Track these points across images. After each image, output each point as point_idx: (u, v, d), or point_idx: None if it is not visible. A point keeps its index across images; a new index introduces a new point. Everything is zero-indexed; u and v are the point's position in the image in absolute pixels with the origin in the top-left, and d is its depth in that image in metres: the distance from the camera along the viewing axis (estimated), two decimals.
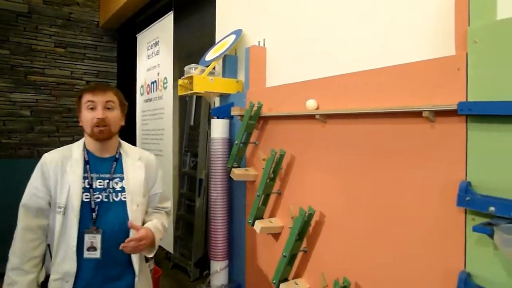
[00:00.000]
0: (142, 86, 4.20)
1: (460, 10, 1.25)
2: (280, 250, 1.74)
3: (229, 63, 2.43)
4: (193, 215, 3.61)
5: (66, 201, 1.46)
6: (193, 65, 2.39)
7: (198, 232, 3.48)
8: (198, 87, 2.25)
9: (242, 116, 2.09)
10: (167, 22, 3.58)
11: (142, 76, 4.20)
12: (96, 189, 1.51)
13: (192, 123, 3.90)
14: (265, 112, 2.04)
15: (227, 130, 2.28)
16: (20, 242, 1.46)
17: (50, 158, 1.52)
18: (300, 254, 1.80)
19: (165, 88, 3.64)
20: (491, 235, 1.01)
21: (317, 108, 1.72)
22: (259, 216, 1.92)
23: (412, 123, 1.35)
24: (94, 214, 1.48)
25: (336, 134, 1.66)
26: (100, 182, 1.53)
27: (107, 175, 1.54)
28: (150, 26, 3.95)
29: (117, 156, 1.60)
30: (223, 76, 2.44)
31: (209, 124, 2.67)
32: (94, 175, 1.53)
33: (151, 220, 1.62)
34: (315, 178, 1.76)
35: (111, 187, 1.53)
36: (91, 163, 1.54)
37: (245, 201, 2.21)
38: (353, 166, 1.58)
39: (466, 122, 1.20)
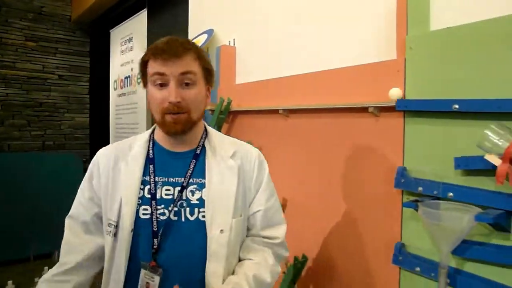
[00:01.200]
0: (115, 81, 4.28)
1: (400, 21, 1.46)
2: None
3: None
4: None
5: (117, 217, 1.00)
6: None
7: None
8: None
9: (213, 110, 2.25)
10: (141, 19, 3.68)
11: (116, 71, 4.27)
12: (161, 201, 1.00)
13: None
14: (234, 107, 2.22)
15: None
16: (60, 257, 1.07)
17: (102, 154, 1.10)
18: None
19: (138, 83, 3.75)
20: (416, 209, 1.23)
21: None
22: None
23: (361, 117, 1.56)
24: (156, 241, 0.97)
25: (297, 127, 1.85)
26: (167, 190, 1.01)
27: (180, 179, 1.02)
28: (123, 22, 4.03)
29: (197, 152, 1.05)
30: None
31: None
32: (160, 179, 1.02)
33: (244, 264, 1.03)
34: (280, 166, 1.95)
35: (184, 198, 1.00)
36: (157, 161, 1.04)
37: None
38: (312, 155, 1.79)
39: (404, 117, 1.43)
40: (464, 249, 1.20)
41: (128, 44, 3.96)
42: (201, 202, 1.00)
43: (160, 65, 0.95)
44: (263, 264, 1.02)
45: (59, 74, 4.85)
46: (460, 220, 1.10)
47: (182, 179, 1.02)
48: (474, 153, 1.17)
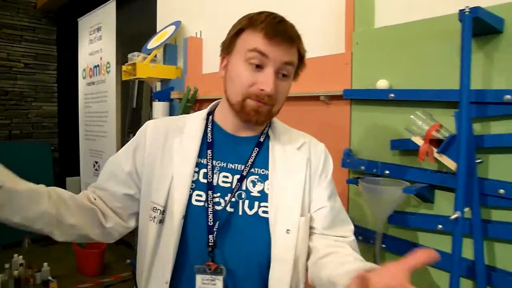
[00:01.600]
0: (84, 70, 4.28)
1: (348, 19, 1.63)
2: None
3: (169, 51, 2.68)
4: None
5: (165, 201, 0.87)
6: (136, 53, 2.61)
7: None
8: (141, 73, 2.49)
9: (180, 99, 2.37)
10: (109, 8, 3.70)
11: (84, 60, 4.27)
12: (217, 188, 0.88)
13: (134, 105, 4.09)
14: (201, 95, 2.34)
15: (167, 112, 2.54)
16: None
17: (152, 125, 0.95)
18: None
19: (108, 72, 3.78)
20: (357, 185, 1.41)
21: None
22: None
23: (315, 105, 1.73)
24: (211, 237, 0.84)
25: None
26: (225, 176, 0.89)
27: (239, 167, 0.90)
28: (92, 12, 4.03)
29: (261, 139, 0.94)
30: (164, 63, 2.69)
31: (151, 107, 2.91)
32: (218, 164, 0.90)
33: (333, 259, 0.83)
34: None
35: (243, 188, 0.88)
36: (215, 144, 0.92)
37: None
38: None
39: (350, 105, 1.60)
40: (397, 218, 1.40)
41: (97, 33, 3.97)
42: (263, 196, 0.86)
43: (266, 44, 0.82)
44: (357, 255, 0.84)
45: (25, 62, 4.79)
46: (392, 193, 1.29)
47: (242, 166, 0.89)
48: (407, 136, 1.36)
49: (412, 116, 1.26)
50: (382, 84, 1.45)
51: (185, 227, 0.84)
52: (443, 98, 1.27)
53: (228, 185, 0.88)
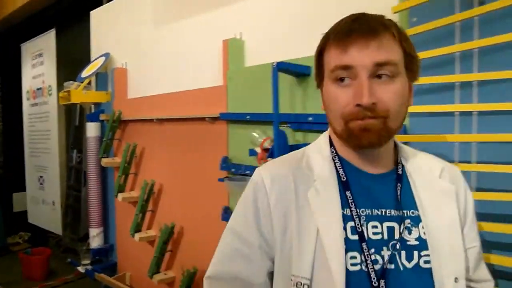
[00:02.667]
0: (28, 92, 4.62)
1: (225, 59, 2.19)
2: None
3: (101, 79, 3.15)
4: (80, 203, 4.22)
5: (311, 273, 0.70)
6: (71, 82, 3.05)
7: (84, 215, 4.11)
8: (75, 99, 2.94)
9: (108, 120, 2.85)
10: (50, 37, 4.10)
11: (28, 82, 4.61)
12: (370, 243, 0.71)
13: (77, 123, 4.47)
14: (126, 116, 2.84)
15: (99, 130, 3.01)
16: None
17: (270, 175, 0.78)
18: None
19: (50, 94, 4.17)
20: (223, 181, 1.97)
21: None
22: (122, 190, 2.72)
23: (202, 124, 2.29)
24: None
25: (167, 131, 2.55)
26: (374, 226, 0.73)
27: (388, 212, 0.74)
28: (34, 39, 4.40)
29: (399, 171, 0.78)
30: (96, 89, 3.16)
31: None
32: (363, 212, 0.74)
33: None
34: (157, 159, 2.62)
35: (396, 237, 0.72)
36: (352, 185, 0.76)
37: (113, 181, 2.96)
38: (176, 150, 2.49)
39: (227, 124, 2.17)
40: None
41: (39, 58, 4.35)
42: (422, 243, 0.72)
43: (343, 54, 0.67)
44: None
45: None
46: (242, 186, 1.85)
47: (392, 211, 0.73)
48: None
49: (253, 133, 1.84)
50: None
51: None
52: (273, 118, 1.86)
53: (379, 236, 0.71)
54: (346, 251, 0.70)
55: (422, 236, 0.73)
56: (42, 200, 4.44)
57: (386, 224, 0.73)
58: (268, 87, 1.75)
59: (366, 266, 0.69)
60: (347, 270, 0.69)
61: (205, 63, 2.36)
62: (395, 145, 0.81)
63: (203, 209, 2.31)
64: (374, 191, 0.76)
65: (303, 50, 1.84)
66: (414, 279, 0.71)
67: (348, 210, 0.73)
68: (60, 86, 4.04)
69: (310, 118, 1.76)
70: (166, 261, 2.58)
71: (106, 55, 3.15)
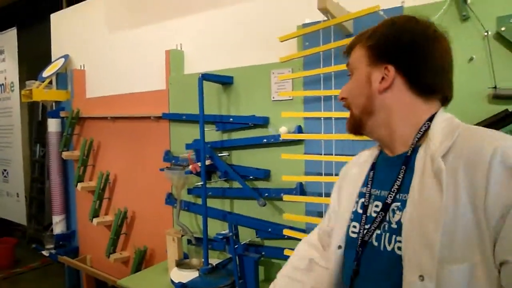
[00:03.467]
0: None
1: (167, 67, 2.56)
2: None
3: (61, 79, 3.44)
4: (44, 195, 4.50)
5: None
6: (32, 81, 3.33)
7: (48, 206, 4.39)
8: (36, 97, 3.23)
9: (67, 117, 3.17)
10: (11, 35, 4.30)
11: None
12: (370, 218, 0.81)
13: (40, 119, 4.71)
14: (84, 114, 3.16)
15: (59, 126, 3.31)
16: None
17: (356, 157, 0.96)
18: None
19: (12, 90, 4.39)
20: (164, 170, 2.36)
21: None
22: (81, 180, 3.05)
23: (148, 122, 2.66)
24: (355, 264, 0.81)
25: (119, 128, 2.91)
26: (377, 205, 0.80)
27: (386, 193, 0.78)
28: None
29: (408, 153, 0.76)
30: (57, 88, 3.45)
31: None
32: (374, 192, 0.83)
33: None
34: (112, 152, 2.98)
35: (387, 219, 0.76)
36: (377, 170, 0.86)
37: (73, 172, 3.28)
38: (127, 145, 2.86)
39: (169, 122, 2.55)
40: (192, 191, 2.37)
41: (1, 55, 4.54)
42: (399, 227, 0.71)
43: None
44: None
45: None
46: (180, 175, 2.25)
47: (387, 192, 0.77)
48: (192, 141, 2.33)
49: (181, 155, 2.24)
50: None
51: (344, 259, 0.86)
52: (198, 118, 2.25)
53: (377, 213, 0.78)
54: (352, 221, 0.85)
55: (402, 220, 0.70)
56: (6, 193, 4.66)
57: (382, 204, 0.78)
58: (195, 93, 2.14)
59: (358, 238, 0.81)
60: (348, 235, 0.84)
61: (151, 69, 2.71)
62: (427, 125, 0.75)
63: (150, 195, 2.69)
64: (385, 172, 0.82)
65: (231, 62, 2.25)
66: (385, 261, 0.72)
67: (365, 188, 0.85)
68: (22, 83, 4.27)
69: (231, 119, 2.17)
70: (121, 243, 2.95)
71: (66, 56, 3.44)
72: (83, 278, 3.19)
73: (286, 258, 1.86)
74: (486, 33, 1.48)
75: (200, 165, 2.12)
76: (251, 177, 2.12)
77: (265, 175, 2.08)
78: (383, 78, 0.78)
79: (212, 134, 2.26)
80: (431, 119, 0.75)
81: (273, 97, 2.05)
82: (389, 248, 0.73)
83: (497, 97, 1.47)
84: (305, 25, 1.86)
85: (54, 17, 3.65)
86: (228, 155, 2.24)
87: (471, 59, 1.53)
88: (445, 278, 0.62)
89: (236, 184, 2.21)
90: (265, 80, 2.06)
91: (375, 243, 0.77)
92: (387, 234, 0.74)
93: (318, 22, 1.76)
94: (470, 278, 0.61)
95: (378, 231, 0.76)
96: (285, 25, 1.94)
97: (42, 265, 4.08)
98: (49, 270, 3.94)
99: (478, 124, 1.47)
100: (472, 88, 1.52)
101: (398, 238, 0.71)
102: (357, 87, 0.82)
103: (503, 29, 1.44)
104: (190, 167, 2.18)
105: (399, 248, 0.70)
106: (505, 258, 0.58)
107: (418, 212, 0.67)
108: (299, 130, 1.94)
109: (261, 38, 2.15)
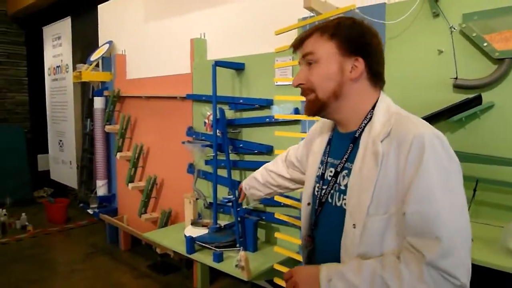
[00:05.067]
0: (49, 68, 5.45)
1: (191, 53, 2.91)
2: None
3: (105, 62, 3.92)
4: (92, 163, 5.10)
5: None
6: (81, 64, 3.84)
7: (95, 173, 4.99)
8: (85, 78, 3.73)
9: (110, 95, 3.64)
10: (66, 23, 4.87)
11: (49, 60, 5.43)
12: (326, 181, 1.03)
13: (90, 97, 5.29)
14: (123, 93, 3.62)
15: (104, 103, 3.81)
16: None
17: (314, 126, 1.20)
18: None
19: (67, 71, 4.98)
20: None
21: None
22: (120, 150, 3.54)
23: (175, 102, 3.05)
24: (313, 217, 1.05)
25: (152, 106, 3.33)
26: (331, 171, 1.02)
27: (337, 162, 1.00)
28: (53, 23, 5.18)
29: (356, 135, 0.96)
30: (102, 70, 3.93)
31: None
32: (330, 161, 1.04)
33: (381, 259, 0.86)
34: (145, 127, 3.43)
35: (338, 182, 0.99)
36: (333, 142, 1.07)
37: (114, 144, 3.77)
38: (157, 121, 3.28)
39: (192, 102, 2.92)
40: (209, 162, 2.74)
41: (58, 41, 5.14)
42: (345, 189, 0.94)
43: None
44: (402, 270, 0.79)
45: (0, 60, 5.88)
46: (196, 148, 2.62)
47: (338, 161, 0.99)
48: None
49: (203, 109, 2.59)
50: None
51: (309, 210, 1.08)
52: (219, 99, 2.58)
53: (330, 178, 1.01)
54: (316, 182, 1.07)
55: (348, 184, 0.93)
56: (62, 161, 5.34)
57: (334, 171, 1.00)
58: (218, 76, 2.46)
59: (318, 196, 1.04)
60: (314, 194, 1.07)
61: (179, 55, 3.09)
62: (372, 111, 0.94)
63: (176, 164, 3.11)
64: (338, 145, 1.02)
65: (244, 50, 2.56)
66: (336, 214, 0.95)
67: (324, 157, 1.07)
68: (75, 63, 4.84)
69: (241, 100, 2.50)
70: (151, 205, 3.41)
71: (110, 42, 3.91)
72: (121, 234, 3.73)
73: (283, 222, 2.21)
74: (451, 29, 1.68)
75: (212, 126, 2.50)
76: (256, 151, 2.45)
77: (267, 150, 2.39)
78: (352, 68, 0.93)
79: (228, 113, 2.59)
80: (375, 104, 0.95)
81: (276, 82, 2.34)
82: (338, 204, 0.96)
83: (457, 87, 1.68)
84: (303, 19, 2.13)
85: (101, 8, 4.12)
86: (239, 131, 2.58)
87: (440, 52, 1.74)
88: (368, 226, 0.86)
89: (247, 157, 2.56)
90: (270, 67, 2.35)
91: (330, 200, 1.00)
92: (337, 193, 0.97)
93: (313, 16, 2.02)
94: (386, 226, 0.86)
95: (332, 191, 0.99)
96: (291, 17, 2.20)
97: (89, 223, 4.70)
98: (94, 228, 4.55)
99: (442, 108, 1.68)
100: (439, 78, 1.73)
101: (344, 197, 0.94)
102: (327, 74, 0.93)
103: (463, 26, 1.64)
104: (206, 125, 2.56)
105: (345, 204, 0.93)
106: (404, 210, 0.83)
107: (358, 179, 0.90)
108: (296, 111, 2.22)
109: (270, 29, 2.42)
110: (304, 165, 1.25)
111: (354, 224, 0.88)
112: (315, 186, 1.07)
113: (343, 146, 0.99)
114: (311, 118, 1.15)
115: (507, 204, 1.58)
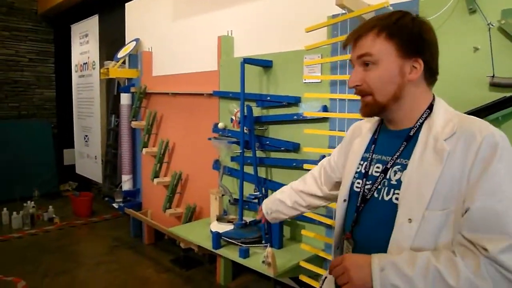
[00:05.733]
0: (76, 65, 5.57)
1: (219, 51, 2.94)
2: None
3: (132, 59, 3.98)
4: (116, 159, 5.20)
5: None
6: (109, 61, 3.91)
7: (120, 168, 5.09)
8: (112, 74, 3.80)
9: (136, 92, 3.70)
10: (93, 21, 4.97)
11: (76, 57, 5.56)
12: (370, 177, 1.02)
13: (115, 93, 5.39)
14: (150, 89, 3.67)
15: (130, 99, 3.87)
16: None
17: (352, 127, 1.22)
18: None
19: (93, 68, 5.09)
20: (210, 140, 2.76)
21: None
22: (145, 146, 3.60)
23: (201, 98, 3.08)
24: (355, 214, 1.03)
25: (178, 102, 3.37)
26: (377, 167, 1.02)
27: (388, 158, 1.00)
28: (81, 22, 5.30)
29: (411, 133, 0.97)
30: (129, 67, 4.00)
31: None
32: (375, 157, 1.04)
33: (437, 252, 0.85)
34: (171, 123, 3.47)
35: (387, 177, 0.98)
36: (379, 140, 1.07)
37: (140, 139, 3.84)
38: (184, 117, 3.32)
39: (219, 99, 2.94)
40: (234, 158, 2.75)
41: (85, 38, 5.25)
42: (398, 184, 0.93)
43: (351, 52, 0.99)
44: (458, 263, 0.80)
45: (30, 57, 6.05)
46: (223, 144, 2.64)
47: (390, 157, 0.99)
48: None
49: (230, 105, 2.61)
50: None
51: (346, 208, 1.08)
52: (246, 96, 2.59)
53: (378, 174, 1.00)
54: (356, 179, 1.06)
55: (401, 179, 0.93)
56: (87, 155, 5.46)
57: (384, 166, 0.99)
58: (246, 73, 2.48)
59: (361, 191, 1.02)
60: (352, 189, 1.06)
61: (206, 53, 3.11)
62: (430, 109, 0.96)
63: (201, 160, 3.14)
64: (389, 144, 1.01)
65: (272, 47, 2.57)
66: (386, 208, 0.94)
67: (368, 154, 1.06)
68: (101, 60, 4.94)
69: (268, 98, 2.51)
70: (176, 201, 3.46)
71: (137, 40, 3.97)
72: (145, 229, 3.79)
73: (309, 220, 2.21)
74: (489, 26, 1.65)
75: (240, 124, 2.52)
76: (283, 148, 2.45)
77: (294, 147, 2.39)
78: (411, 69, 0.92)
79: (255, 110, 2.60)
80: (431, 104, 0.97)
81: (304, 79, 2.33)
82: (386, 198, 0.95)
83: (494, 85, 1.64)
84: (333, 16, 2.12)
85: (129, 6, 4.19)
86: (266, 128, 2.58)
87: (476, 49, 1.71)
88: (426, 221, 0.86)
89: (273, 154, 2.56)
90: (299, 64, 2.35)
91: (376, 195, 0.98)
92: (386, 188, 0.96)
93: (344, 13, 2.00)
94: (445, 222, 0.86)
95: (379, 187, 0.98)
96: (320, 15, 2.19)
97: (113, 217, 4.79)
98: (118, 221, 4.63)
99: (477, 107, 1.65)
100: (475, 76, 1.70)
101: (396, 191, 0.93)
102: (388, 76, 0.92)
103: (503, 22, 1.60)
104: (233, 121, 2.58)
105: (396, 199, 0.92)
106: (468, 205, 0.83)
107: (417, 174, 0.89)
108: (324, 109, 2.22)
109: (298, 26, 2.41)
110: (337, 171, 1.26)
111: (410, 219, 0.88)
112: (354, 182, 1.07)
113: (394, 143, 0.99)
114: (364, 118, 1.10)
115: None
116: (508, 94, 1.59)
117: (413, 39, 0.92)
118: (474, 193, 0.83)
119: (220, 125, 2.85)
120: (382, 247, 0.92)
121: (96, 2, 5.09)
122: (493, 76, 1.64)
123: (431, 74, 0.97)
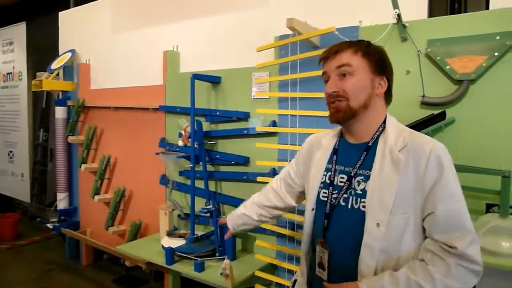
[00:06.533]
0: None
1: (164, 65, 2.93)
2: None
3: (67, 71, 3.80)
4: (46, 177, 4.86)
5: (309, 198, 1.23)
6: (42, 73, 3.69)
7: (50, 187, 4.76)
8: (46, 87, 3.59)
9: (73, 105, 3.54)
10: (20, 28, 4.65)
11: None
12: (336, 187, 1.13)
13: (44, 105, 5.06)
14: (88, 103, 3.53)
15: (66, 113, 3.68)
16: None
17: (308, 140, 1.34)
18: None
19: (20, 79, 4.74)
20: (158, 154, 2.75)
21: None
22: (84, 162, 3.44)
23: (147, 113, 3.04)
24: (326, 221, 1.13)
25: (120, 117, 3.29)
26: (342, 177, 1.13)
27: (350, 169, 1.11)
28: (4, 28, 4.92)
29: (369, 144, 1.10)
30: (64, 79, 3.81)
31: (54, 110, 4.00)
32: (338, 168, 1.15)
33: (411, 264, 1.00)
34: (113, 138, 3.37)
35: (352, 187, 1.10)
36: (339, 152, 1.18)
37: (77, 155, 3.66)
38: (127, 132, 3.24)
39: (165, 113, 2.93)
40: (183, 173, 2.76)
41: (10, 46, 4.88)
42: (364, 193, 1.05)
43: (324, 65, 1.13)
44: (431, 271, 0.95)
45: None
46: (170, 160, 2.63)
47: (351, 168, 1.10)
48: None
49: (179, 120, 2.62)
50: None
51: (315, 216, 1.18)
52: (196, 111, 2.63)
53: (342, 184, 1.11)
54: (321, 189, 1.17)
55: (365, 188, 1.05)
56: (11, 172, 5.03)
57: (347, 177, 1.11)
58: (194, 88, 2.52)
59: (328, 200, 1.13)
60: (319, 199, 1.17)
61: (150, 67, 3.09)
62: (384, 124, 1.11)
63: (146, 176, 3.09)
64: (349, 155, 1.13)
65: (220, 64, 2.64)
66: (354, 215, 1.06)
67: (330, 165, 1.17)
68: (29, 71, 4.62)
69: (218, 113, 2.57)
70: (119, 218, 3.34)
71: (72, 51, 3.80)
72: (83, 249, 3.59)
73: (260, 231, 2.29)
74: (418, 52, 1.89)
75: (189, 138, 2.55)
76: (233, 162, 2.51)
77: (245, 161, 2.47)
78: (379, 85, 1.10)
79: (204, 125, 2.64)
80: (385, 119, 1.12)
81: (253, 96, 2.43)
82: (355, 207, 1.07)
83: (424, 104, 1.88)
84: (281, 37, 2.25)
85: (63, 15, 4.01)
86: (215, 143, 2.63)
87: (408, 72, 1.94)
88: (392, 224, 1.00)
89: (223, 168, 2.61)
90: (247, 81, 2.45)
91: (343, 204, 1.10)
92: (354, 197, 1.08)
93: (294, 35, 2.14)
94: (407, 223, 1.01)
95: (345, 195, 1.10)
96: (266, 34, 2.32)
97: (42, 239, 4.44)
98: (50, 243, 4.31)
99: (411, 123, 1.87)
100: (408, 96, 1.92)
101: (362, 200, 1.06)
102: (362, 86, 1.07)
103: (429, 50, 1.85)
104: (182, 137, 2.59)
105: (363, 207, 1.05)
106: (431, 210, 0.98)
107: (378, 183, 1.03)
108: (274, 124, 2.33)
109: (246, 44, 2.52)
110: (298, 182, 1.37)
111: (378, 223, 1.01)
112: (319, 192, 1.17)
113: (354, 155, 1.12)
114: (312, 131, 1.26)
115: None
116: (435, 112, 1.83)
117: (381, 61, 1.11)
118: (435, 198, 0.98)
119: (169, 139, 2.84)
120: (354, 248, 1.04)
121: (23, 8, 4.77)
122: (423, 96, 1.87)
123: (389, 94, 1.14)
